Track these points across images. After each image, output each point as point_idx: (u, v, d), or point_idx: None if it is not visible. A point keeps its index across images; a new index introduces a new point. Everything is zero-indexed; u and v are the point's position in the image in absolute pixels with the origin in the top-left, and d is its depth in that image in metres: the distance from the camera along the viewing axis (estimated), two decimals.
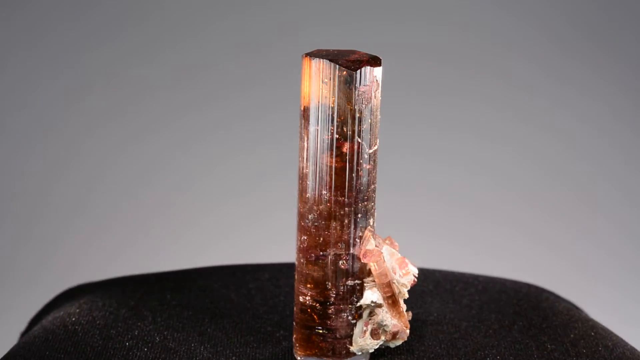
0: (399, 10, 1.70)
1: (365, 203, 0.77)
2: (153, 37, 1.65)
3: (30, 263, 1.49)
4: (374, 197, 0.78)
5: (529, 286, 0.96)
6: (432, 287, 0.94)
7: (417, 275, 0.81)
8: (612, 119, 1.71)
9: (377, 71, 0.76)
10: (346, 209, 0.76)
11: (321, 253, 0.77)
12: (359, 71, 0.74)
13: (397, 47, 1.68)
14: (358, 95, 0.75)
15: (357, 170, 0.76)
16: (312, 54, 0.75)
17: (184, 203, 1.62)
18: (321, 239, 0.77)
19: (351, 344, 0.78)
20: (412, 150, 1.67)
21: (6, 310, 1.40)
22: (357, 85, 0.75)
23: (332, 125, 0.75)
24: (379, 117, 0.77)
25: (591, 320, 0.88)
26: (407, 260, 0.80)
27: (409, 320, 0.84)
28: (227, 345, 0.81)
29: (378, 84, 0.76)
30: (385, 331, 0.79)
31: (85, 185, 1.58)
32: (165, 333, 0.83)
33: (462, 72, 1.70)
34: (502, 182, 1.69)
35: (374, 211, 0.78)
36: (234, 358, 0.80)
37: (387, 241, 0.80)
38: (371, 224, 0.78)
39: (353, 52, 0.77)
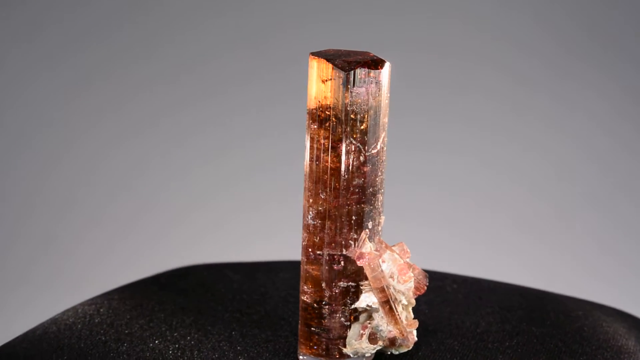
0: (399, 3, 1.66)
1: (363, 205, 0.77)
2: (151, 32, 1.63)
3: (21, 260, 1.49)
4: (374, 200, 0.77)
5: (586, 304, 0.91)
6: (487, 298, 0.91)
7: (426, 284, 0.79)
8: (614, 115, 1.65)
9: (378, 73, 0.75)
10: (340, 209, 0.76)
11: (318, 252, 0.77)
12: (352, 72, 0.74)
13: (397, 41, 1.63)
14: (352, 97, 0.75)
15: (351, 171, 0.76)
16: (317, 53, 0.76)
17: (181, 199, 1.60)
18: (318, 238, 0.77)
19: (344, 346, 0.78)
20: (419, 145, 1.63)
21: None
22: (351, 86, 0.75)
23: (329, 126, 0.75)
24: (380, 119, 0.76)
25: (627, 351, 0.82)
26: (414, 268, 0.79)
27: (417, 329, 0.82)
28: (236, 340, 0.83)
29: (379, 86, 0.75)
30: (382, 337, 0.78)
31: (82, 181, 1.57)
32: (175, 325, 0.85)
33: (463, 65, 1.65)
34: (512, 181, 1.64)
35: (375, 215, 0.77)
36: (239, 348, 0.82)
37: (395, 247, 0.79)
38: (370, 227, 0.77)
39: (361, 53, 0.77)
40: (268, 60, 1.64)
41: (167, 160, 1.60)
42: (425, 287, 0.80)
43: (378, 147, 0.77)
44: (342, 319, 0.78)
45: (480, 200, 1.62)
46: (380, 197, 0.78)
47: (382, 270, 0.77)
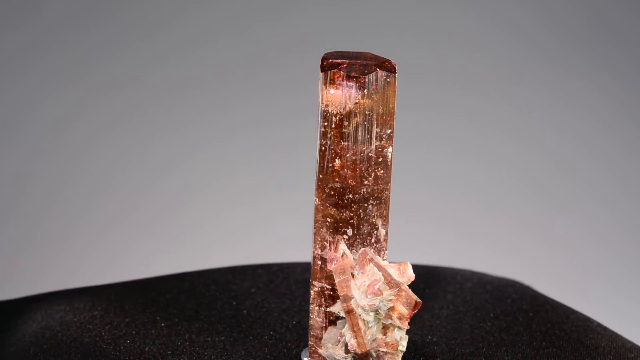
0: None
1: (341, 210, 0.76)
2: (166, 42, 1.58)
3: (32, 264, 1.47)
4: (357, 208, 0.76)
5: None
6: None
7: (409, 312, 0.75)
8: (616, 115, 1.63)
9: (360, 79, 0.74)
10: (317, 209, 0.77)
11: (313, 251, 0.79)
12: (328, 73, 0.74)
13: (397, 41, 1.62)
14: (328, 98, 0.75)
15: (327, 172, 0.76)
16: (326, 54, 0.77)
17: (195, 206, 1.53)
18: (313, 236, 0.79)
19: (320, 347, 0.78)
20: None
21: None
22: (325, 86, 0.75)
23: (318, 126, 0.76)
24: (371, 127, 0.74)
25: None
26: (401, 291, 0.75)
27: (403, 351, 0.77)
28: (252, 336, 0.86)
29: (362, 93, 0.74)
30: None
31: (100, 185, 1.53)
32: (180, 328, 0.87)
33: (463, 60, 1.64)
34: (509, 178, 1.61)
35: (360, 224, 0.76)
36: (253, 342, 0.85)
37: (393, 265, 0.77)
38: (349, 234, 0.76)
39: (375, 57, 0.76)
40: (293, 70, 1.62)
41: (180, 166, 1.58)
42: (411, 314, 0.75)
43: (365, 154, 0.75)
44: (319, 319, 0.78)
45: (480, 198, 1.60)
46: (370, 207, 0.76)
47: (346, 279, 0.76)
